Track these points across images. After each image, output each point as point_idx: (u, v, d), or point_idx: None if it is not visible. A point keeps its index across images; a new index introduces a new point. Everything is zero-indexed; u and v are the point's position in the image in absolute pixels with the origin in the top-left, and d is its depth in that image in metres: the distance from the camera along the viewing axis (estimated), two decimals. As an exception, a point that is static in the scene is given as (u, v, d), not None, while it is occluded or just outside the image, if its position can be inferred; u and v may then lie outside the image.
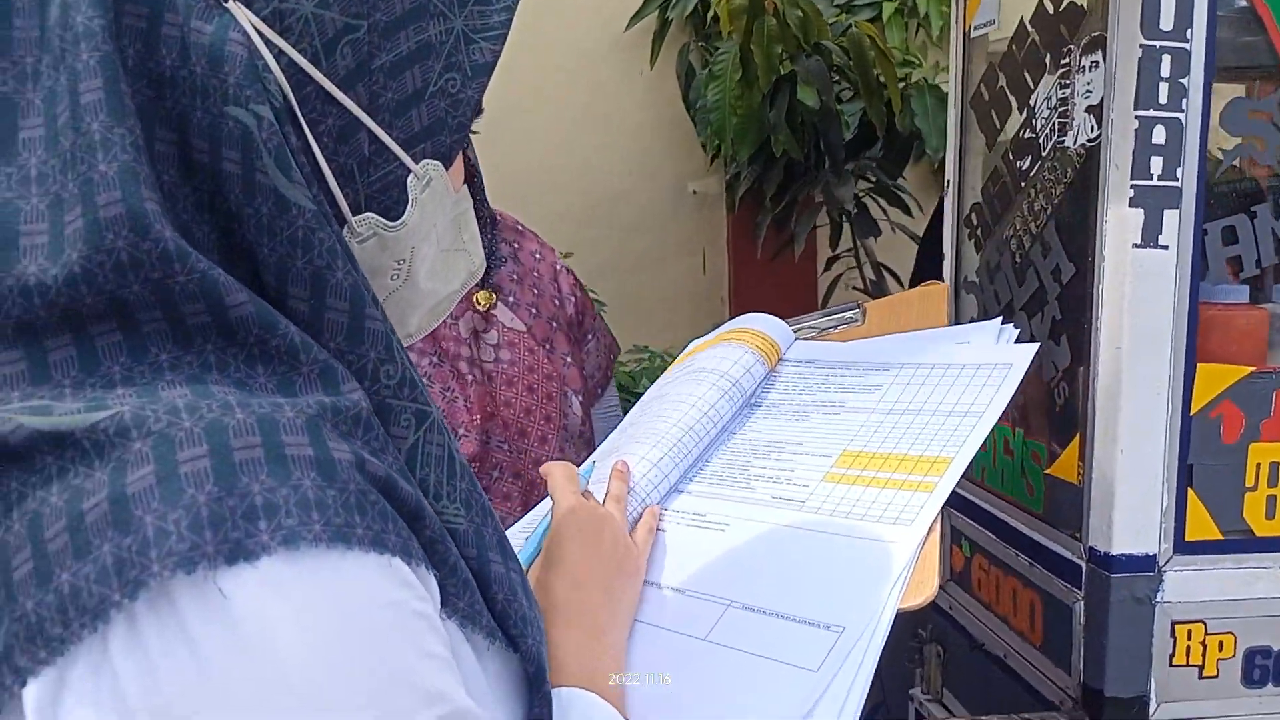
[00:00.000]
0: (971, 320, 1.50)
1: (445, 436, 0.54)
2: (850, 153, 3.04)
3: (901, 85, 2.85)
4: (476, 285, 1.32)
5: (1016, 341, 0.99)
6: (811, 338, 1.26)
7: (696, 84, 3.32)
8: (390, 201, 0.56)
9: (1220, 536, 1.20)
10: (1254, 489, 1.19)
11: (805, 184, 3.02)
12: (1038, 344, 0.98)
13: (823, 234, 3.44)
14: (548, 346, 1.37)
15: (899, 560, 0.79)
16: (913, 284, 2.72)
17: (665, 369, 1.18)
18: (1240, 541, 1.20)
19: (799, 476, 0.93)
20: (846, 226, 3.06)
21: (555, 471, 0.87)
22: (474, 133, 0.63)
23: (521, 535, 0.91)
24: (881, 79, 2.75)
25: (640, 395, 1.17)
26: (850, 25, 2.80)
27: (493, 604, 0.53)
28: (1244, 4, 1.13)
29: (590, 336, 1.47)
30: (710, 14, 3.29)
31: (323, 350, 0.49)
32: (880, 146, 2.99)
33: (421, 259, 0.60)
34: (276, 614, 0.41)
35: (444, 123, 0.57)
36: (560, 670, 0.69)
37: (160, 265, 0.45)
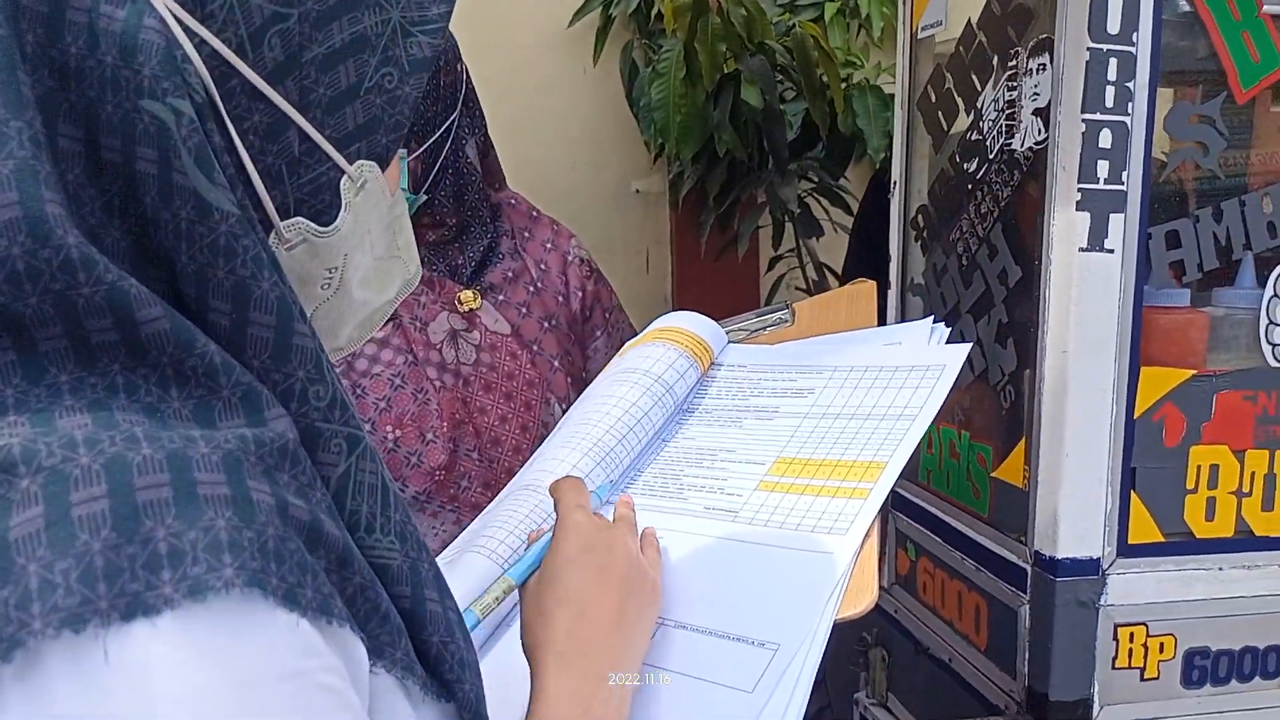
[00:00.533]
0: (917, 322, 1.50)
1: (377, 464, 0.50)
2: (793, 153, 3.03)
3: (844, 86, 2.86)
4: (462, 284, 1.28)
5: (948, 341, 0.98)
6: (742, 340, 1.25)
7: (640, 81, 3.29)
8: (322, 205, 0.52)
9: (1162, 539, 1.20)
10: (1194, 491, 1.20)
11: (749, 183, 3.01)
12: (969, 344, 0.98)
13: (766, 234, 3.44)
14: (535, 348, 1.31)
15: (834, 571, 0.77)
16: (844, 278, 2.73)
17: None
18: (1181, 544, 1.21)
19: (732, 485, 0.91)
20: (789, 226, 3.06)
21: (564, 484, 0.79)
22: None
23: (505, 550, 0.88)
24: (825, 79, 2.75)
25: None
26: (794, 25, 2.80)
27: (427, 647, 0.49)
28: (1187, 9, 1.14)
29: (599, 333, 1.40)
30: (654, 11, 3.27)
31: (245, 371, 0.45)
32: (823, 147, 2.99)
33: (355, 267, 0.56)
34: (162, 688, 0.36)
35: (380, 121, 0.53)
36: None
37: (62, 275, 0.40)
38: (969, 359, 1.34)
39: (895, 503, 1.54)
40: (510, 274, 1.34)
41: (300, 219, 0.51)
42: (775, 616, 0.77)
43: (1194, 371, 1.18)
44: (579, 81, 3.69)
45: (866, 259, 2.44)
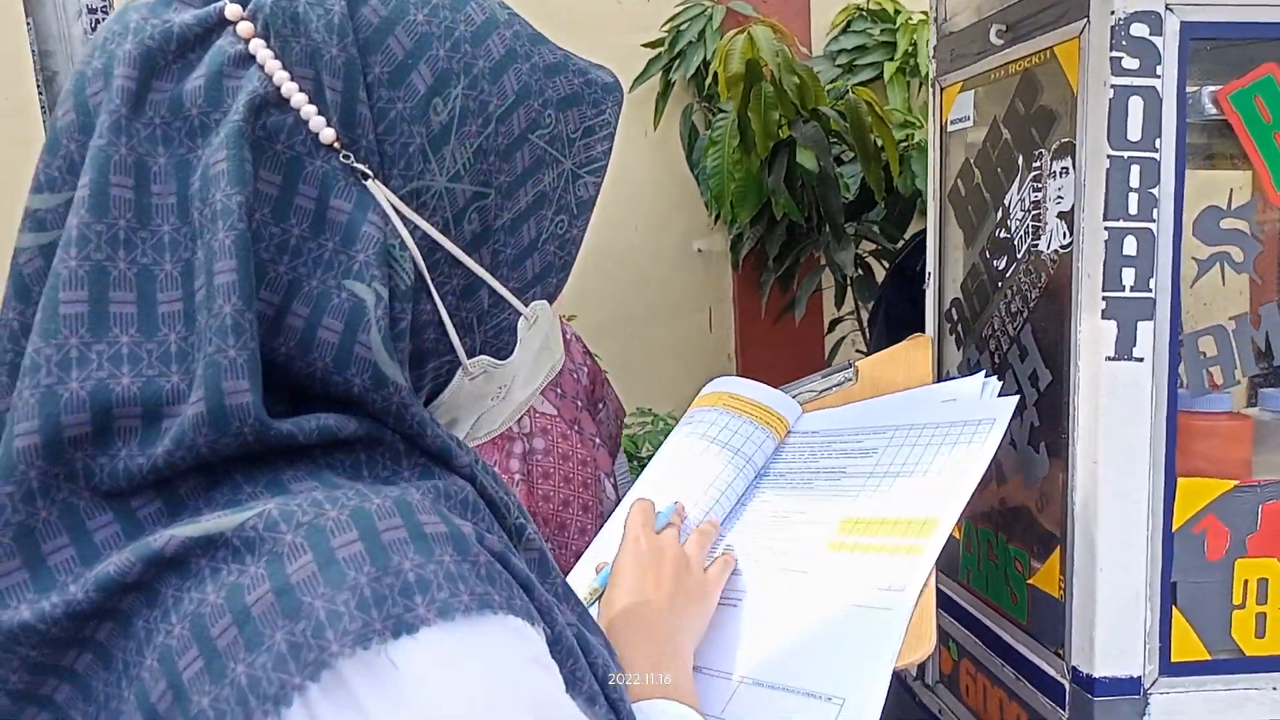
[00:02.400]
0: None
1: (538, 545, 0.58)
2: (852, 214, 3.01)
3: (902, 145, 2.83)
4: None
5: (1000, 394, 1.00)
6: (811, 399, 1.28)
7: (699, 144, 3.32)
8: (501, 344, 0.58)
9: (1208, 657, 1.15)
10: (1242, 606, 1.15)
11: (807, 245, 3.00)
12: (1016, 397, 0.97)
13: (829, 293, 3.42)
14: (576, 429, 1.34)
15: (894, 626, 0.82)
16: (874, 313, 2.70)
17: (668, 432, 1.21)
18: (1230, 661, 1.15)
19: (804, 548, 0.96)
20: (850, 288, 3.03)
21: (633, 510, 0.91)
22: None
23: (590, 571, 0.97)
24: (879, 143, 2.73)
25: (643, 460, 1.18)
26: (847, 91, 2.79)
27: (594, 669, 0.55)
28: (1214, 113, 1.10)
29: (601, 405, 1.44)
30: (711, 75, 3.30)
31: (424, 455, 0.52)
32: (882, 208, 2.96)
33: (519, 381, 0.62)
34: (441, 679, 0.43)
35: (553, 265, 0.59)
36: (631, 679, 0.72)
37: (275, 440, 0.47)
38: (1002, 460, 1.32)
39: (939, 601, 1.51)
40: None
41: (484, 357, 0.58)
42: (841, 671, 0.82)
43: (1237, 481, 1.13)
44: (640, 144, 3.73)
45: (904, 288, 2.38)
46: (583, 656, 0.55)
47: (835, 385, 1.25)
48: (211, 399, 0.46)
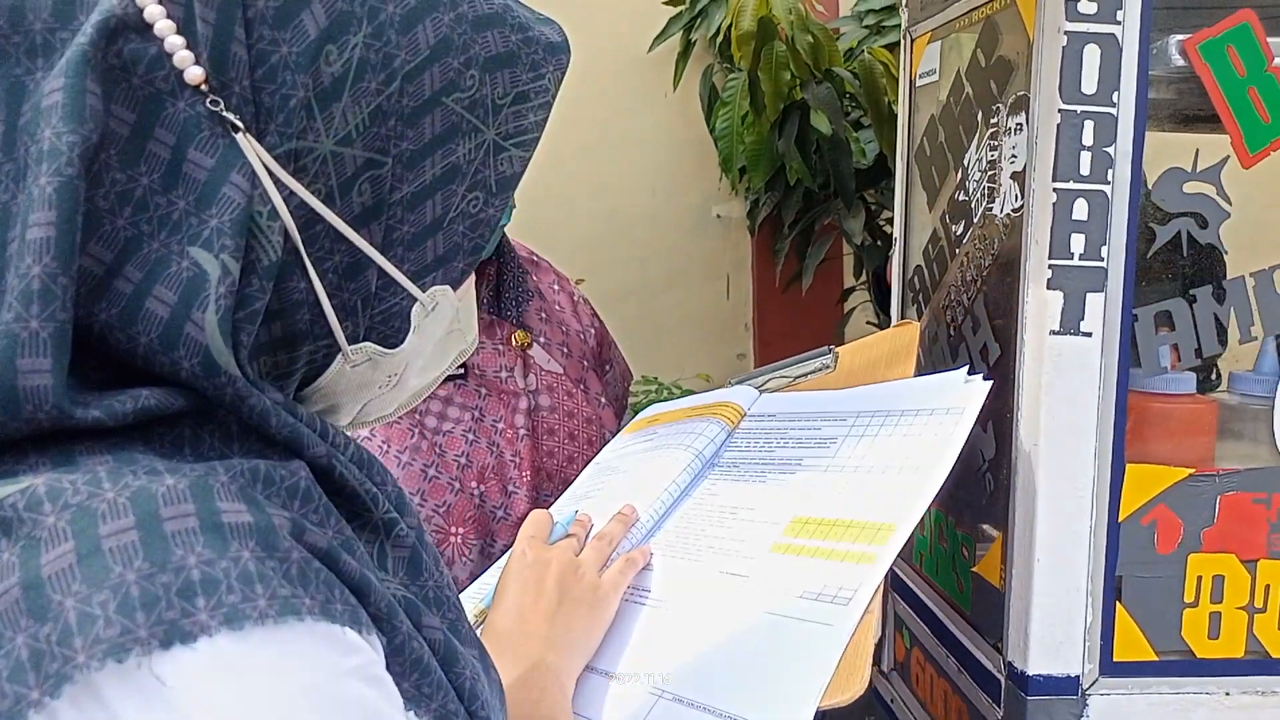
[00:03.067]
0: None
1: (379, 535, 0.50)
2: (868, 180, 2.91)
3: (921, 111, 2.72)
4: (512, 324, 1.28)
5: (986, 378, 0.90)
6: (783, 387, 1.22)
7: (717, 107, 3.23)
8: (390, 331, 0.51)
9: (1155, 657, 1.07)
10: (1194, 605, 1.06)
11: (818, 212, 2.90)
12: (989, 384, 0.88)
13: (850, 261, 3.32)
14: (582, 387, 1.31)
15: (831, 645, 0.75)
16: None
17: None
18: (1178, 663, 1.07)
19: (747, 548, 0.89)
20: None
21: (525, 524, 0.89)
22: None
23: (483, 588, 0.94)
24: (894, 106, 2.62)
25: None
26: (863, 51, 2.67)
27: (458, 682, 0.49)
28: (1181, 64, 1.00)
29: (609, 366, 1.42)
30: (724, 36, 3.20)
31: (261, 439, 0.46)
32: (899, 175, 2.85)
33: (414, 369, 0.56)
34: (223, 700, 0.37)
35: (460, 248, 0.52)
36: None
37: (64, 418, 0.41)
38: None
39: (894, 583, 1.43)
40: (542, 314, 1.34)
41: (368, 344, 0.51)
42: (768, 694, 0.76)
43: (1191, 470, 1.04)
44: (659, 106, 3.64)
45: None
46: (439, 670, 0.48)
47: (810, 373, 1.17)
48: (2, 376, 0.39)
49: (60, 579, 0.36)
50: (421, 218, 0.49)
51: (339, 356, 0.50)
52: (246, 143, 0.43)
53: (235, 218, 0.42)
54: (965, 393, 0.88)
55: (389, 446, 1.14)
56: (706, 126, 3.47)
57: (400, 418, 1.13)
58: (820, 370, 1.11)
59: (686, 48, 3.39)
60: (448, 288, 0.53)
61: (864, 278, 2.95)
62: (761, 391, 1.08)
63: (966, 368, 0.94)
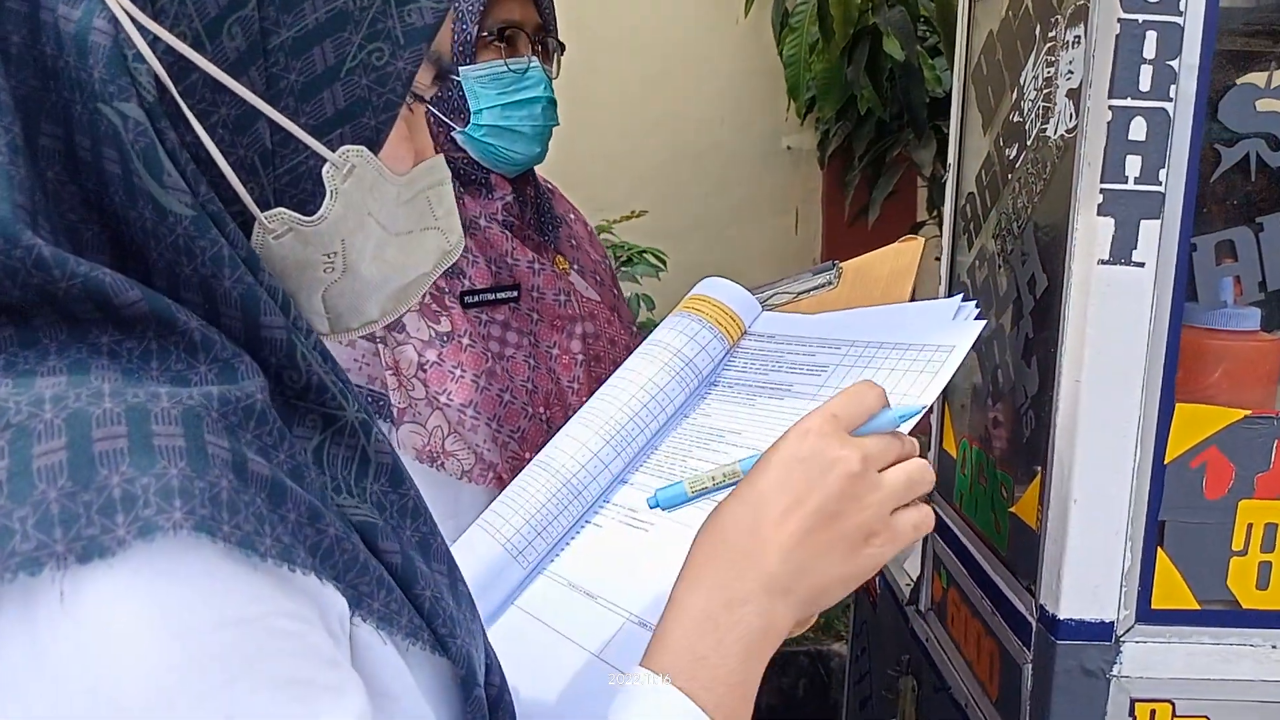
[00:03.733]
0: (961, 325, 1.33)
1: (359, 439, 0.51)
2: (943, 109, 2.79)
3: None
4: (553, 250, 1.26)
5: (978, 319, 0.87)
6: (786, 303, 1.19)
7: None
8: (304, 195, 0.51)
9: (1197, 606, 1.01)
10: (1243, 553, 1.00)
11: (888, 143, 2.81)
12: (982, 323, 0.85)
13: (923, 194, 3.21)
14: (617, 315, 1.31)
15: None
16: None
17: None
18: (1222, 613, 1.02)
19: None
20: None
21: (845, 393, 0.66)
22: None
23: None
24: (971, 31, 2.49)
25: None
26: (940, -29, 2.55)
27: (418, 602, 0.50)
28: (1258, -32, 0.92)
29: (620, 300, 1.41)
30: (797, -42, 3.08)
31: (226, 347, 0.46)
32: (975, 104, 2.73)
33: (358, 250, 0.55)
34: (106, 633, 0.38)
35: (366, 102, 0.51)
36: (658, 642, 0.60)
37: (37, 272, 0.42)
38: (996, 372, 1.18)
39: (935, 525, 1.39)
40: (572, 240, 1.32)
41: (282, 209, 0.51)
42: None
43: (1247, 412, 0.98)
44: (729, 33, 3.54)
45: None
46: (398, 589, 0.48)
47: (813, 288, 1.15)
48: None
49: None
50: (310, 65, 0.49)
51: (256, 225, 0.50)
52: None
53: (109, 63, 0.43)
54: (960, 330, 0.86)
55: (464, 371, 1.11)
56: (778, 55, 3.38)
57: (472, 341, 1.12)
58: (824, 286, 1.08)
59: (759, -29, 3.28)
60: (363, 148, 0.52)
61: (935, 212, 2.85)
62: (765, 306, 1.05)
63: (961, 295, 0.91)
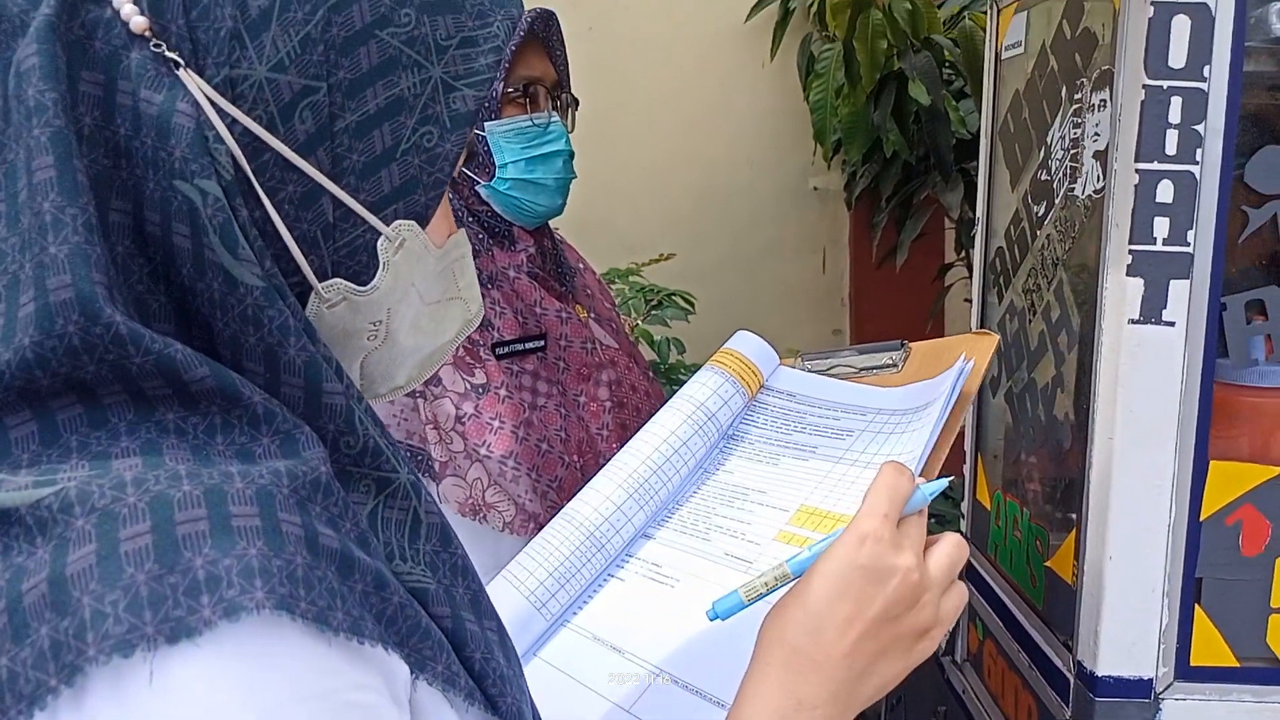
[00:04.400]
0: (993, 378, 1.34)
1: (411, 501, 0.53)
2: (969, 153, 2.80)
3: (1026, 80, 2.61)
4: (572, 299, 1.28)
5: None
6: (847, 376, 1.19)
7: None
8: (359, 266, 0.54)
9: (1236, 664, 1.01)
10: (1282, 611, 1.00)
11: (915, 185, 2.82)
12: (972, 362, 0.86)
13: (950, 236, 3.22)
14: (636, 362, 1.32)
15: None
16: None
17: None
18: (1263, 670, 1.01)
19: (754, 532, 0.90)
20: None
21: (883, 478, 0.66)
22: None
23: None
24: (996, 76, 2.51)
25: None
26: (964, 17, 2.58)
27: (469, 664, 0.52)
28: (1281, 33, 0.93)
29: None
30: (820, 3, 3.12)
31: (287, 419, 0.48)
32: (1001, 146, 2.74)
33: (400, 318, 0.58)
34: (206, 705, 0.39)
35: (418, 181, 0.54)
36: (739, 701, 0.64)
37: (114, 348, 0.45)
38: (1034, 427, 1.19)
39: (968, 573, 1.40)
40: (587, 290, 1.33)
41: (339, 280, 0.53)
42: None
43: (1283, 469, 0.98)
44: (757, 76, 3.58)
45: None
46: (454, 651, 0.51)
47: (877, 368, 1.12)
48: (39, 299, 0.44)
49: (81, 578, 0.39)
50: (371, 147, 0.51)
51: (313, 295, 0.53)
52: (188, 76, 0.47)
53: (191, 143, 0.46)
54: (959, 382, 0.86)
55: (503, 422, 1.13)
56: (804, 97, 3.41)
57: (508, 392, 1.13)
58: (888, 368, 1.06)
59: (784, 16, 3.32)
60: (413, 223, 0.55)
61: (963, 253, 2.86)
62: (825, 374, 1.05)
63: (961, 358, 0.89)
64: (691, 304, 2.86)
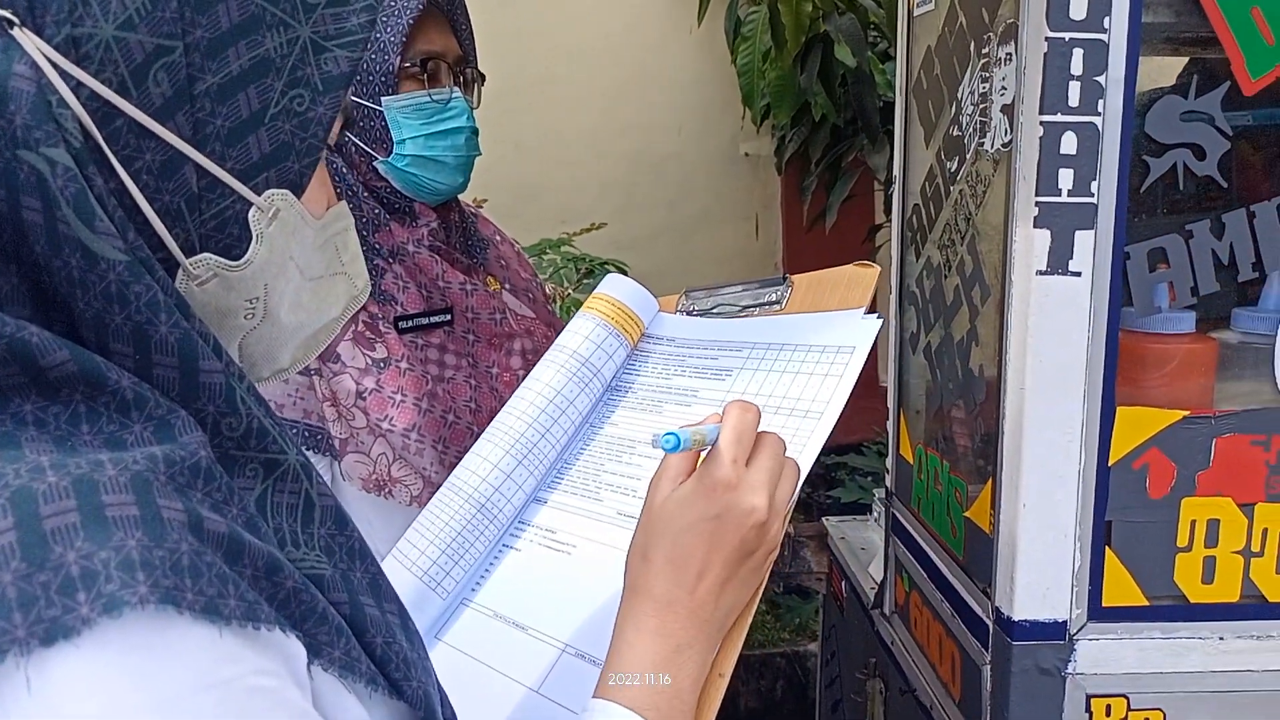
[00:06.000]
0: (912, 334, 1.36)
1: (302, 483, 0.51)
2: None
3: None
4: (483, 271, 1.26)
5: (877, 317, 0.90)
6: (731, 314, 1.19)
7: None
8: (230, 240, 0.51)
9: (1146, 602, 1.04)
10: (1187, 549, 1.03)
11: (843, 148, 2.84)
12: (880, 320, 0.89)
13: (879, 197, 3.25)
14: (555, 332, 1.31)
15: None
16: None
17: None
18: (1170, 608, 1.05)
19: (644, 485, 0.86)
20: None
21: (732, 414, 0.71)
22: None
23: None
24: (919, 37, 2.53)
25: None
26: (886, -22, 2.59)
27: (371, 649, 0.50)
28: (1177, -16, 0.95)
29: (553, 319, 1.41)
30: (748, -33, 3.11)
31: (160, 403, 0.45)
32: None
33: (279, 295, 0.55)
34: (93, 707, 0.37)
35: (290, 147, 0.51)
36: (619, 652, 0.66)
37: None
38: (952, 381, 1.21)
39: (894, 527, 1.42)
40: (501, 261, 1.32)
41: (208, 255, 0.50)
42: None
43: (1186, 412, 1.01)
44: (685, 42, 3.57)
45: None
46: (354, 637, 0.49)
47: (760, 305, 1.13)
48: None
49: None
50: (235, 110, 0.49)
51: (180, 272, 0.49)
52: (22, 35, 0.43)
53: (33, 108, 0.42)
54: (859, 329, 0.87)
55: (405, 396, 1.11)
56: (732, 63, 3.41)
57: (410, 365, 1.12)
58: (772, 305, 1.07)
59: (710, -19, 3.31)
60: (287, 192, 0.52)
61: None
62: (709, 314, 1.05)
63: (862, 310, 0.92)
64: (624, 272, 2.86)
